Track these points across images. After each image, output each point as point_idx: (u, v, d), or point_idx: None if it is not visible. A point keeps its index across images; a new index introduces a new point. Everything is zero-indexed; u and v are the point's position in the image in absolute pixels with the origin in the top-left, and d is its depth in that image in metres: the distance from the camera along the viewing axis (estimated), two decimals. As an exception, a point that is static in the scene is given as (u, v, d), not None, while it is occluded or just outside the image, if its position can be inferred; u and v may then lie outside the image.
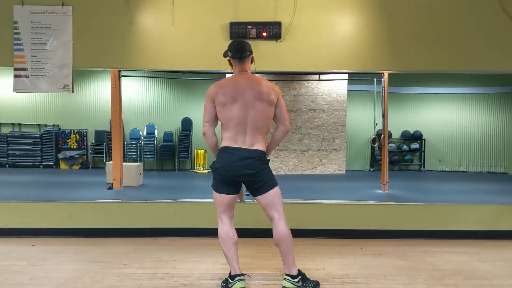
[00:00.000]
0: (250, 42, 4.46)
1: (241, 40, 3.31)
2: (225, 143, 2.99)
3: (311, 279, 3.13)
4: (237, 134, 2.94)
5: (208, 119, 3.02)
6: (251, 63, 3.16)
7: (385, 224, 4.63)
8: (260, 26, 4.47)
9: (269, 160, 3.09)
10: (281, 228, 3.02)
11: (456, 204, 4.85)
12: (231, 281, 2.99)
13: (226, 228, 3.06)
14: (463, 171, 12.28)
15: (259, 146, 2.99)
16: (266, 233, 4.42)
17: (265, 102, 2.96)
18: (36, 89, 4.57)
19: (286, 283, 3.02)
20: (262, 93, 2.95)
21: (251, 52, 3.12)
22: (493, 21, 4.57)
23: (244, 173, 2.94)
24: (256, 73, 3.19)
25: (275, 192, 3.04)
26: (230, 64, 3.16)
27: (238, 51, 3.07)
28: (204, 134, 3.07)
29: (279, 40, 4.54)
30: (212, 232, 4.48)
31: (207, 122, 3.03)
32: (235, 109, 2.92)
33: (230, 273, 3.05)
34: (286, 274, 3.04)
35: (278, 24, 4.50)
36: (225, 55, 3.15)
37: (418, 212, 4.68)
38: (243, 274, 3.04)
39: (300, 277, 3.03)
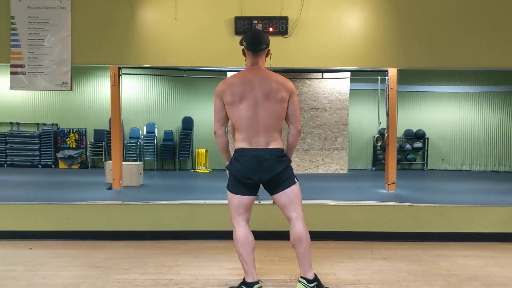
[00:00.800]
0: None
1: (259, 30, 3.12)
2: (239, 144, 2.82)
3: (324, 285, 2.98)
4: (251, 135, 2.77)
5: (218, 118, 2.85)
6: (267, 56, 2.98)
7: (395, 226, 4.48)
8: (267, 21, 4.32)
9: (290, 159, 2.91)
10: (298, 229, 2.84)
11: (468, 205, 4.69)
12: None
13: (244, 232, 2.86)
14: (466, 170, 12.15)
15: (276, 144, 2.81)
16: (274, 236, 4.31)
17: (274, 100, 2.77)
18: (34, 86, 4.41)
19: (300, 286, 2.87)
20: (272, 90, 2.76)
21: (268, 45, 2.93)
22: (503, 16, 4.43)
23: (262, 177, 2.78)
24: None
25: (292, 190, 2.85)
26: (244, 54, 2.97)
27: (253, 43, 2.87)
28: (214, 133, 2.90)
29: (286, 36, 4.39)
30: (216, 235, 4.37)
31: (218, 122, 2.86)
32: (243, 108, 2.75)
33: (244, 280, 2.90)
34: (302, 277, 2.88)
35: (285, 19, 4.34)
36: (241, 43, 2.94)
37: (430, 213, 4.53)
38: (260, 281, 2.89)
39: (315, 283, 2.87)
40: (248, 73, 2.84)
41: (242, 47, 2.95)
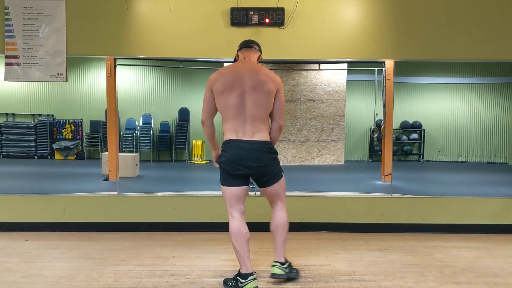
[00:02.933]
0: (252, 28, 4.37)
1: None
2: (227, 135, 2.90)
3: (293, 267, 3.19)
4: (237, 125, 2.85)
5: (207, 108, 2.92)
6: (258, 60, 3.09)
7: (390, 218, 4.50)
8: (263, 12, 4.30)
9: (277, 152, 3.00)
10: (283, 215, 3.08)
11: (463, 197, 4.71)
12: (242, 281, 2.85)
13: (238, 224, 2.91)
14: (462, 162, 12.19)
15: (261, 136, 2.88)
16: (269, 227, 4.31)
17: (262, 92, 2.86)
18: (28, 77, 4.39)
19: (276, 270, 3.05)
20: (260, 82, 2.85)
21: (260, 49, 3.09)
22: (492, 10, 4.44)
23: (250, 166, 2.85)
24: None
25: (280, 184, 3.02)
26: (237, 59, 3.08)
27: (246, 41, 3.08)
28: (202, 124, 2.96)
29: (282, 27, 4.37)
30: (212, 227, 4.38)
31: (206, 112, 2.93)
32: (231, 98, 2.82)
33: (239, 271, 2.91)
34: (275, 261, 3.07)
35: (281, 10, 4.32)
36: (234, 59, 3.12)
37: (424, 205, 4.54)
38: (254, 273, 2.91)
39: (287, 263, 3.10)
40: (239, 64, 2.94)
41: (236, 54, 3.09)
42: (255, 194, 4.41)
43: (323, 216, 4.51)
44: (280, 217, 3.06)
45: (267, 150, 2.89)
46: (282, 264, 3.06)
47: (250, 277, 2.85)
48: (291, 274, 3.09)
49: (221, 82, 2.83)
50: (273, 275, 3.05)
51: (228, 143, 2.88)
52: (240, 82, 2.82)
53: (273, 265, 3.06)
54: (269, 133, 2.99)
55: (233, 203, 2.93)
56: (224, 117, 2.90)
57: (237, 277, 2.91)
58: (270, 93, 2.88)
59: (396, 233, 4.42)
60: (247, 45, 3.04)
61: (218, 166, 3.00)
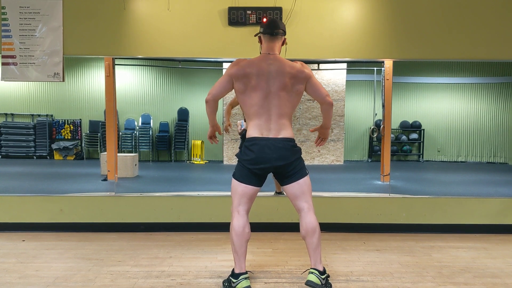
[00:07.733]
0: (249, 28, 4.35)
1: (276, 19, 3.13)
2: (250, 132, 2.82)
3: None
4: (261, 122, 2.78)
5: (215, 92, 2.84)
6: (283, 45, 2.99)
7: (389, 218, 4.48)
8: (260, 11, 4.28)
9: (301, 149, 2.92)
10: (311, 220, 2.84)
11: (461, 197, 4.70)
12: (234, 280, 2.82)
13: (242, 222, 2.84)
14: (461, 162, 12.19)
15: (286, 133, 2.81)
16: (267, 227, 4.32)
17: (291, 92, 2.80)
18: (25, 77, 4.37)
19: (312, 277, 2.80)
20: (287, 84, 2.78)
21: (285, 32, 2.95)
22: (489, 10, 4.42)
23: (276, 165, 2.78)
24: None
25: (305, 181, 2.86)
26: (260, 41, 2.97)
27: (270, 26, 2.90)
28: (206, 102, 2.87)
29: (279, 27, 4.34)
30: (210, 227, 4.37)
31: (214, 94, 2.84)
32: (256, 97, 2.76)
33: (233, 271, 2.89)
34: (313, 268, 2.84)
35: (279, 9, 4.30)
36: (256, 34, 3.01)
37: (423, 205, 4.53)
38: (247, 272, 2.88)
39: (326, 275, 2.87)
40: (264, 62, 2.82)
41: (259, 34, 2.97)
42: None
43: (322, 216, 4.46)
44: (308, 222, 2.83)
45: (292, 147, 2.81)
46: (321, 273, 2.81)
47: (241, 276, 2.81)
48: None
49: (243, 83, 2.77)
50: (308, 282, 2.78)
51: (252, 141, 2.79)
52: (265, 84, 2.75)
53: (311, 272, 2.81)
54: (323, 113, 2.98)
55: (244, 201, 2.86)
56: (247, 113, 2.83)
57: (230, 277, 2.89)
58: (299, 93, 2.84)
59: (394, 233, 4.41)
60: (271, 32, 2.88)
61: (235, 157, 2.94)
